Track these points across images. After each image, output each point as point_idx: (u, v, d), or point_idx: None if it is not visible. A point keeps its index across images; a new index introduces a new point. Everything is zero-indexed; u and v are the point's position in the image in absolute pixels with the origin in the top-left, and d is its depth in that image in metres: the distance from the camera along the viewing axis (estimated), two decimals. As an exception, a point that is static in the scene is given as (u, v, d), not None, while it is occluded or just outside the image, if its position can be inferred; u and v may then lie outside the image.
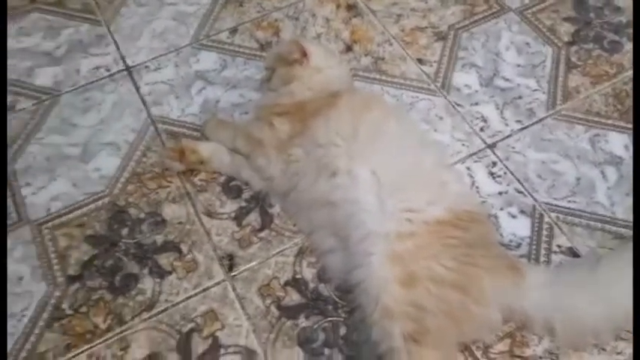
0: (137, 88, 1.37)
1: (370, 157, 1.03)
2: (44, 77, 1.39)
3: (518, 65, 1.40)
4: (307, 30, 1.48)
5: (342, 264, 1.04)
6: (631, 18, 1.48)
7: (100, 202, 1.19)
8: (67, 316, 1.05)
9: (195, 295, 1.07)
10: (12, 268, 1.10)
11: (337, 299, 1.07)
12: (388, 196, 0.98)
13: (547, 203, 1.18)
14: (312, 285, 1.09)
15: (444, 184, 1.04)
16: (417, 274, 0.93)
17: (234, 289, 1.08)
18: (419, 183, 1.01)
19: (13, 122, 1.31)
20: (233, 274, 1.10)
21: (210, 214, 1.17)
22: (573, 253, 1.12)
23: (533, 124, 1.30)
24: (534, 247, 1.13)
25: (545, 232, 1.15)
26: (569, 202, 1.19)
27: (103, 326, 1.04)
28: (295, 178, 1.09)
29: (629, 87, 1.35)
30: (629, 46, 1.43)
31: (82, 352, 1.01)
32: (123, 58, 1.43)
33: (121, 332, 1.03)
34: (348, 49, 1.44)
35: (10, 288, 1.08)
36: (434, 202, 0.98)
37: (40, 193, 1.20)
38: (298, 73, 1.18)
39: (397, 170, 1.01)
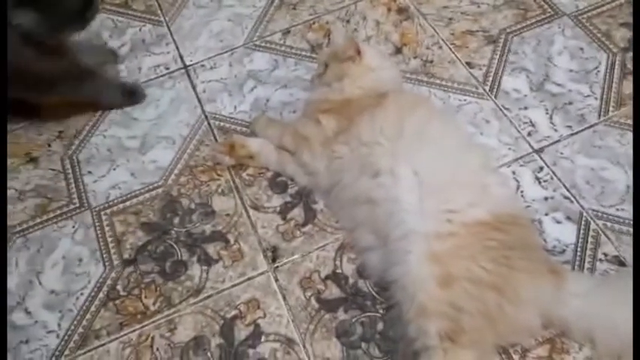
0: (193, 86, 1.44)
1: (413, 157, 1.04)
2: (109, 73, 1.48)
3: (571, 70, 1.38)
4: (358, 32, 1.51)
5: (380, 262, 1.06)
6: (694, 24, 1.43)
7: (154, 192, 1.26)
8: (121, 297, 1.12)
9: (240, 283, 1.12)
10: (73, 249, 1.19)
11: (376, 295, 1.09)
12: (429, 196, 1.00)
13: (594, 210, 1.17)
14: (351, 280, 1.12)
15: (486, 187, 1.04)
16: (455, 274, 0.94)
17: (276, 280, 1.12)
18: (460, 184, 1.02)
19: (78, 115, 1.41)
20: (276, 265, 1.14)
21: (256, 208, 1.22)
22: (619, 262, 1.10)
23: (583, 129, 1.28)
24: (579, 253, 1.11)
25: (590, 240, 1.13)
26: (618, 210, 1.16)
27: (153, 308, 1.10)
28: (338, 175, 1.12)
29: (688, 95, 1.31)
30: (690, 53, 1.38)
31: (134, 331, 1.08)
32: (181, 57, 1.50)
33: (170, 315, 1.09)
34: (398, 51, 1.46)
35: (71, 268, 1.16)
36: (475, 203, 0.99)
37: (100, 181, 1.28)
38: (350, 70, 1.21)
39: (439, 171, 1.02)
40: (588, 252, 1.12)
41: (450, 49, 1.45)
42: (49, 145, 1.35)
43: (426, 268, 0.94)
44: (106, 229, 1.21)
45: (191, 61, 1.49)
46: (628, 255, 1.10)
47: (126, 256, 1.17)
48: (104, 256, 1.18)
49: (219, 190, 1.25)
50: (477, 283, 0.93)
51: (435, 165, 1.03)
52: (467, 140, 1.19)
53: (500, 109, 1.33)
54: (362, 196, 1.08)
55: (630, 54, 1.40)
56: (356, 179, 1.09)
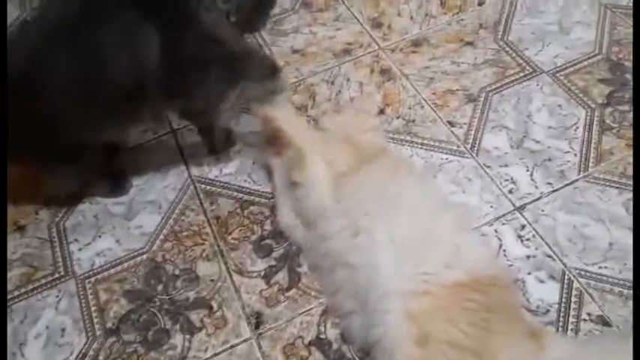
0: (181, 149, 1.47)
1: (390, 220, 1.06)
2: (98, 140, 1.51)
3: (550, 127, 1.40)
4: (342, 94, 1.54)
5: (362, 325, 1.05)
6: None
7: (139, 259, 1.27)
8: (103, 368, 1.11)
9: (222, 352, 1.11)
10: (57, 319, 1.19)
11: (359, 361, 1.08)
12: (405, 259, 1.01)
13: (577, 268, 1.16)
14: (335, 345, 1.11)
15: (461, 248, 1.05)
16: (433, 335, 0.93)
17: (259, 348, 1.11)
18: (434, 247, 1.03)
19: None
20: (259, 332, 1.13)
21: (240, 272, 1.22)
22: (604, 321, 1.09)
23: (564, 186, 1.29)
24: (562, 314, 1.11)
25: (574, 299, 1.12)
26: (601, 267, 1.16)
27: (134, 379, 1.09)
28: (330, 220, 1.13)
29: (667, 149, 1.32)
30: (667, 107, 1.41)
31: (114, 404, 1.07)
32: (169, 121, 1.53)
33: (151, 386, 1.08)
34: (381, 111, 1.49)
35: (54, 338, 1.16)
36: (451, 265, 0.99)
37: (86, 249, 1.29)
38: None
39: (413, 235, 1.04)
40: (572, 312, 1.11)
41: (432, 108, 1.48)
42: (37, 213, 1.37)
43: (403, 328, 0.94)
44: (90, 297, 1.21)
45: (178, 125, 1.52)
46: (612, 314, 1.09)
47: (109, 325, 1.17)
48: (87, 325, 1.17)
49: (204, 255, 1.26)
50: (455, 346, 0.92)
51: (409, 228, 1.05)
52: (443, 202, 1.20)
53: (482, 167, 1.35)
54: (341, 258, 1.08)
55: (609, 109, 1.42)
56: (338, 233, 1.10)
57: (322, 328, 1.13)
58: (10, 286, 1.24)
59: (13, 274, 1.26)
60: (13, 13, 1.91)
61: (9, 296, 1.23)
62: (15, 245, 1.31)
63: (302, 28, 1.74)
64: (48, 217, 1.36)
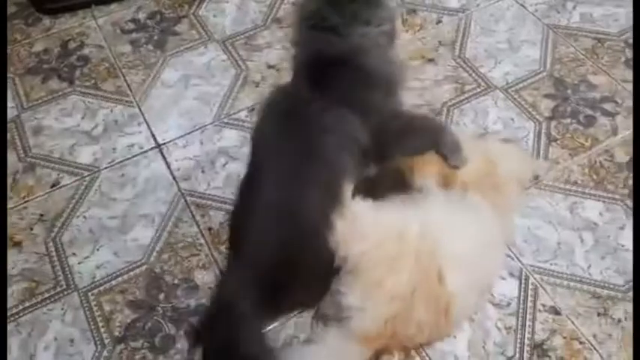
0: (167, 164, 1.55)
1: None
2: (84, 155, 1.57)
3: (505, 139, 1.58)
4: (317, 108, 1.67)
5: None
6: (605, 94, 1.67)
7: (138, 270, 1.35)
8: (114, 375, 1.20)
9: (226, 353, 1.22)
10: (64, 331, 1.26)
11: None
12: None
13: (532, 266, 1.35)
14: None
15: None
16: None
17: (259, 348, 1.23)
18: None
19: (57, 198, 1.48)
20: (258, 333, 1.25)
21: (236, 279, 1.33)
22: (555, 311, 1.27)
23: (518, 192, 1.48)
24: (522, 306, 1.28)
25: (530, 293, 1.31)
26: (552, 264, 1.35)
27: (145, 383, 1.19)
28: None
29: (604, 158, 1.53)
30: (602, 120, 1.61)
31: (128, 407, 1.16)
32: (154, 136, 1.61)
33: (162, 389, 1.18)
34: (354, 125, 1.62)
35: (64, 349, 1.23)
36: None
37: (85, 262, 1.37)
38: None
39: None
40: (529, 304, 1.29)
41: (400, 122, 1.63)
42: (32, 229, 1.42)
43: None
44: (95, 309, 1.29)
45: (163, 139, 1.60)
46: (563, 305, 1.28)
47: (116, 334, 1.25)
48: (95, 335, 1.25)
49: (200, 265, 1.36)
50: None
51: None
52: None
53: (447, 177, 1.51)
54: None
55: (554, 122, 1.61)
56: None
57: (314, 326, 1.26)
58: (13, 301, 1.30)
59: (15, 289, 1.32)
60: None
61: (13, 310, 1.29)
62: (14, 261, 1.37)
63: (274, 44, 1.84)
64: (43, 232, 1.41)
